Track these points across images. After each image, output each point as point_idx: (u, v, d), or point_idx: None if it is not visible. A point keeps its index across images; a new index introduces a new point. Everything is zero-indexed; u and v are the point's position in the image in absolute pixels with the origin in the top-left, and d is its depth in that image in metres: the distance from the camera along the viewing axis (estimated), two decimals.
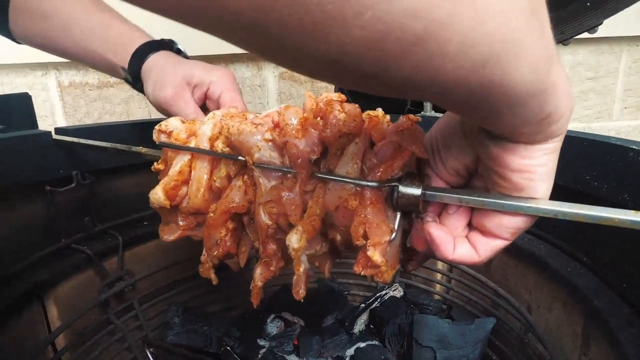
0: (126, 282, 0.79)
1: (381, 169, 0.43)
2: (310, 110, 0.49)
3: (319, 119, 0.49)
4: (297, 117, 0.47)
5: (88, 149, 0.73)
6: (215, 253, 0.50)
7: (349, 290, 0.94)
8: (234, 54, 1.57)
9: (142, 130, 0.85)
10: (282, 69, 1.66)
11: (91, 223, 0.80)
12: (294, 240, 0.46)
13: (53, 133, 0.76)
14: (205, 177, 0.51)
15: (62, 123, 1.52)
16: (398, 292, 0.83)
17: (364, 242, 0.44)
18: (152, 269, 0.84)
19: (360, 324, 0.79)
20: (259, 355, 0.75)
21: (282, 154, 0.47)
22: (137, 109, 1.61)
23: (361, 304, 0.82)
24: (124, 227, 0.84)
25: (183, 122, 0.56)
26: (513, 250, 0.75)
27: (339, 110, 0.46)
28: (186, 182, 0.53)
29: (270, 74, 1.65)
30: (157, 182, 0.54)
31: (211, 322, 0.82)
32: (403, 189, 0.44)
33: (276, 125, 0.48)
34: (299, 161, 0.45)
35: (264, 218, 0.48)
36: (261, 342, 0.79)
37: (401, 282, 0.87)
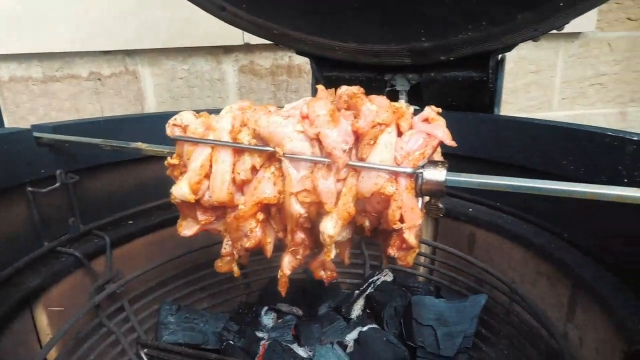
0: (117, 284, 0.76)
1: (415, 156, 0.46)
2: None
3: (343, 110, 0.51)
4: (326, 109, 0.48)
5: (75, 146, 0.70)
6: (247, 244, 0.51)
7: (336, 278, 0.96)
8: (192, 47, 1.53)
9: (124, 125, 0.82)
10: (241, 63, 1.63)
11: (76, 224, 0.76)
12: (329, 227, 0.47)
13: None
14: (229, 170, 0.51)
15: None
16: (388, 277, 0.87)
17: (401, 225, 0.46)
18: (140, 269, 0.81)
19: (357, 310, 0.81)
20: (260, 347, 0.76)
21: (312, 145, 0.48)
22: (87, 104, 1.53)
23: (355, 291, 0.84)
24: (109, 226, 0.81)
25: (196, 116, 0.56)
26: (496, 231, 0.81)
27: (369, 101, 0.47)
28: (207, 176, 0.52)
29: (230, 68, 1.63)
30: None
31: (206, 319, 0.81)
32: (428, 175, 0.47)
33: (304, 117, 0.49)
34: (334, 150, 0.46)
35: (296, 207, 0.49)
36: (260, 334, 0.80)
37: (389, 267, 0.91)
